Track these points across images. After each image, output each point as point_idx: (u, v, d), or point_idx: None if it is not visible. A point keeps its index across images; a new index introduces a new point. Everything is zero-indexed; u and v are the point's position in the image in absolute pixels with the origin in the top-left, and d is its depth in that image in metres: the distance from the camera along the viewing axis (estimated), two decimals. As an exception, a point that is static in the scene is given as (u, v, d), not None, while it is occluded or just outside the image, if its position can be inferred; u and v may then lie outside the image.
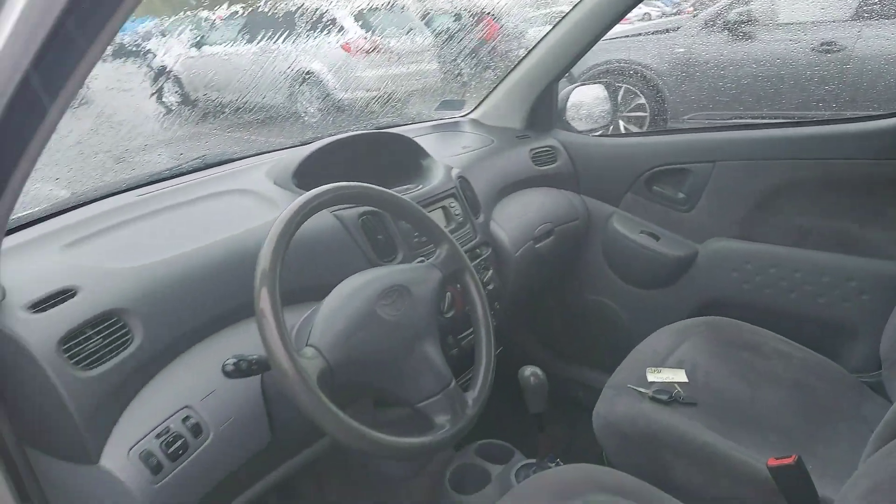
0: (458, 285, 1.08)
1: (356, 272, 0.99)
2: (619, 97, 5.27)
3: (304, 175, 1.26)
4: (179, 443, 0.86)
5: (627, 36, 5.34)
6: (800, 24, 4.57)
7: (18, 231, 1.02)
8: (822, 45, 4.22)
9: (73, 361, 0.81)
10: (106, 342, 0.85)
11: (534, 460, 1.35)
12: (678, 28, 5.28)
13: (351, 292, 0.92)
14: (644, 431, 1.17)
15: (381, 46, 6.87)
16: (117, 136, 1.55)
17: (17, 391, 0.82)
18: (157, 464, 0.83)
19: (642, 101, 5.20)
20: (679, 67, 5.04)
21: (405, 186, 1.38)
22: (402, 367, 0.90)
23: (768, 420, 1.18)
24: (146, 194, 1.17)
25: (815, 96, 3.97)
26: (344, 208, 1.18)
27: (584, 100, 1.96)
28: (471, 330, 1.28)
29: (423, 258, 1.19)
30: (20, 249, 0.96)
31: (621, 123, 5.22)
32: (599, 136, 1.92)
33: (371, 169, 1.32)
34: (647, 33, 5.40)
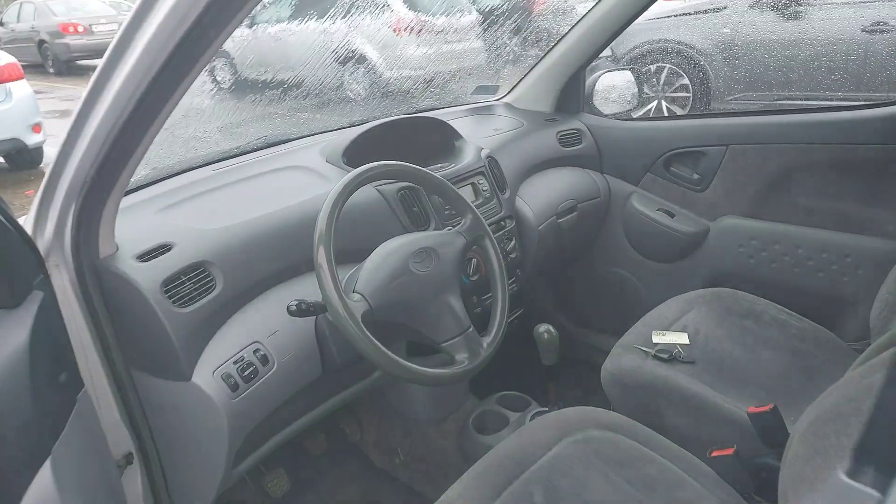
0: (480, 249, 1.27)
1: (394, 237, 1.19)
2: (663, 77, 5.28)
3: (352, 154, 1.46)
4: (251, 369, 1.09)
5: (671, 16, 5.33)
6: (851, 2, 4.49)
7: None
8: (872, 24, 4.15)
9: (172, 300, 1.04)
10: (195, 287, 1.07)
11: (547, 408, 1.54)
12: (724, 7, 5.22)
13: (389, 252, 1.12)
14: (643, 382, 1.34)
15: (428, 26, 6.96)
16: (198, 121, 1.79)
17: (130, 323, 1.06)
18: (234, 383, 1.06)
19: (686, 81, 5.20)
20: (724, 48, 5.01)
21: (439, 165, 1.57)
22: (429, 312, 1.10)
23: (757, 378, 1.33)
24: (220, 169, 1.40)
25: (864, 78, 3.92)
26: (385, 184, 1.37)
27: (611, 85, 2.09)
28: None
29: (451, 227, 1.38)
30: (124, 213, 1.20)
31: (664, 104, 5.25)
32: (624, 119, 2.06)
33: (410, 149, 1.52)
34: (692, 13, 5.36)
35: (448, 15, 6.78)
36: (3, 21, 14.02)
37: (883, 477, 0.33)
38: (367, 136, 1.51)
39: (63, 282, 0.99)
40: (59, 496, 0.74)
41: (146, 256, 1.06)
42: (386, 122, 1.58)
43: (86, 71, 11.91)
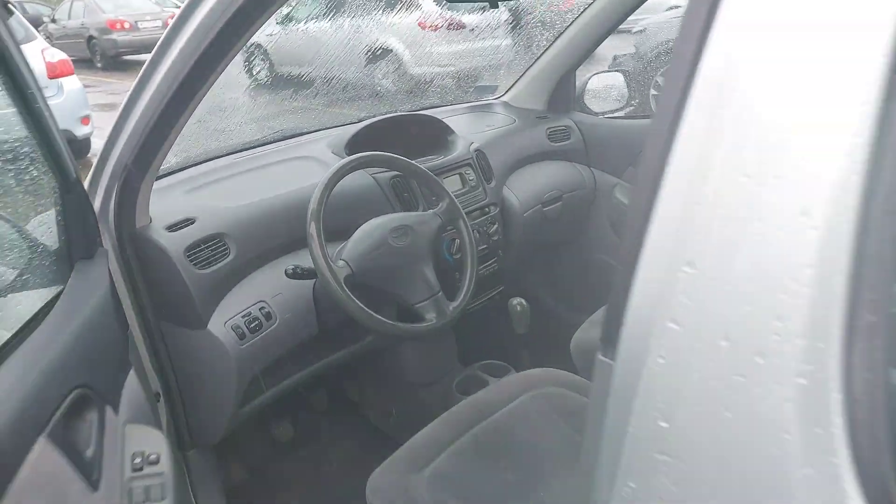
0: (454, 229, 1.48)
1: (380, 216, 1.41)
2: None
3: (353, 146, 1.68)
4: (256, 322, 1.32)
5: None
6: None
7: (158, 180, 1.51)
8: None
9: (193, 263, 1.27)
10: (213, 253, 1.31)
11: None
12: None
13: (373, 227, 1.34)
14: None
15: (454, 23, 7.07)
16: (229, 115, 2.04)
17: (158, 281, 1.30)
18: (242, 333, 1.30)
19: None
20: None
21: (430, 157, 1.78)
22: (403, 278, 1.31)
23: None
24: (240, 157, 1.64)
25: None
26: (379, 172, 1.59)
27: (602, 85, 2.26)
28: None
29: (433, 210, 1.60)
30: (158, 193, 1.44)
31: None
32: (612, 117, 2.23)
33: (407, 142, 1.73)
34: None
35: (475, 12, 6.84)
36: (56, 18, 14.72)
37: (612, 348, 0.52)
38: (368, 130, 1.73)
39: (106, 246, 1.24)
40: (139, 399, 0.99)
41: (174, 227, 1.30)
42: (386, 118, 1.80)
43: (131, 66, 12.45)
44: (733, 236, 0.38)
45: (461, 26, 6.93)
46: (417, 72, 6.68)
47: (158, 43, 1.02)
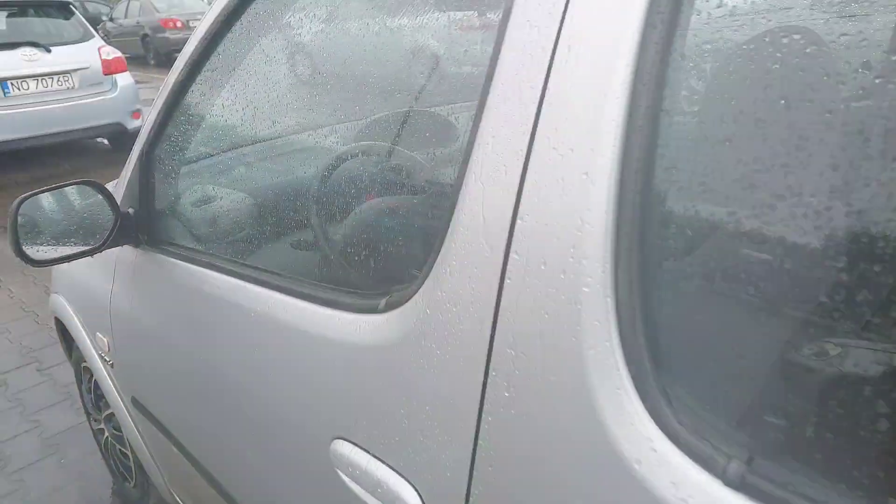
0: None
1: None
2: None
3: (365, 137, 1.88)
4: None
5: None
6: None
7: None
8: None
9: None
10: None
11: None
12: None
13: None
14: None
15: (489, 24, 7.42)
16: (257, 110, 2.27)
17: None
18: None
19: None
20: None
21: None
22: None
23: None
24: (260, 146, 1.86)
25: None
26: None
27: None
28: None
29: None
30: (182, 176, 1.66)
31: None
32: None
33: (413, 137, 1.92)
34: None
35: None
36: (114, 17, 15.45)
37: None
38: (374, 124, 1.92)
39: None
40: None
41: (197, 205, 1.52)
42: (392, 113, 1.99)
43: (182, 63, 13.03)
44: (548, 195, 0.56)
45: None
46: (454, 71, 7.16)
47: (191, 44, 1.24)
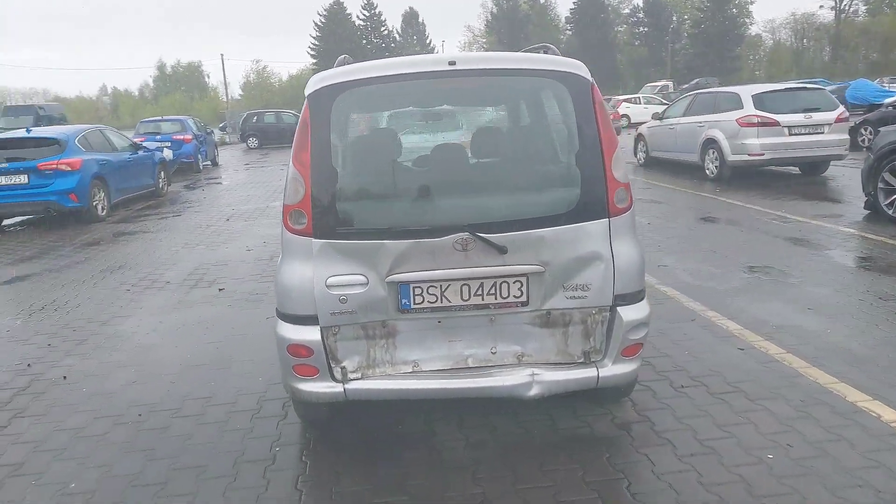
0: None
1: None
2: None
3: None
4: None
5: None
6: None
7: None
8: None
9: None
10: None
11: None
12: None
13: None
14: None
15: (769, 121, 10.40)
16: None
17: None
18: None
19: None
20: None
21: None
22: None
23: None
24: None
25: None
26: None
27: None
28: None
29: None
30: None
31: None
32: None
33: None
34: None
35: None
36: None
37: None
38: None
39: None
40: None
41: None
42: None
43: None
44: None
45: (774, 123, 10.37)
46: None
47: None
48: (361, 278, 2.73)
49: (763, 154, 10.51)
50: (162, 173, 13.23)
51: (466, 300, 2.79)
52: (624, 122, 28.11)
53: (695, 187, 10.82)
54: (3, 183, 9.60)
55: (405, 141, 3.47)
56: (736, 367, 3.77)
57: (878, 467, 2.74)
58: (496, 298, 2.80)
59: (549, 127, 3.21)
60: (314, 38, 71.78)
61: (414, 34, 75.21)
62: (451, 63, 2.73)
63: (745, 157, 10.64)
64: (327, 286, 2.74)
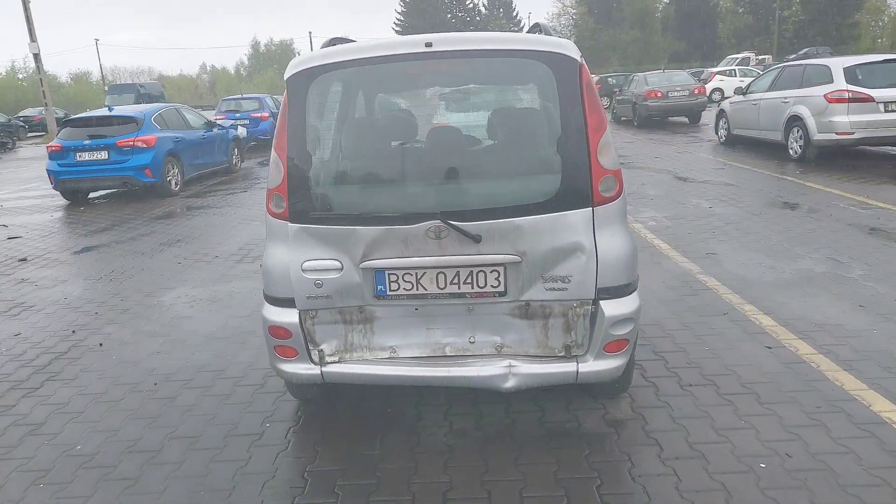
0: None
1: None
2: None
3: None
4: None
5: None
6: None
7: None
8: None
9: None
10: None
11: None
12: None
13: None
14: None
15: (862, 96, 9.57)
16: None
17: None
18: None
19: None
20: None
21: None
22: None
23: None
24: None
25: None
26: None
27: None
28: None
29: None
30: None
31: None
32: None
33: None
34: None
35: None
36: (622, 89, 21.38)
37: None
38: None
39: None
40: None
41: None
42: None
43: (656, 125, 18.65)
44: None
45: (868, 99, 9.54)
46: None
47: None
48: (336, 263, 2.76)
49: (853, 133, 9.67)
50: (235, 150, 13.82)
51: (443, 288, 2.76)
52: (717, 96, 26.61)
53: (774, 168, 10.14)
54: (86, 158, 10.36)
55: (381, 125, 3.44)
56: (755, 367, 3.55)
57: (880, 486, 2.51)
58: (473, 288, 2.75)
59: (532, 110, 3.09)
60: (399, 13, 72.16)
61: (500, 6, 73.95)
62: (428, 44, 2.67)
63: (833, 136, 9.83)
64: (303, 270, 2.79)
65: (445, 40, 2.69)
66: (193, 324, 4.80)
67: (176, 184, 11.06)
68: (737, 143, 13.14)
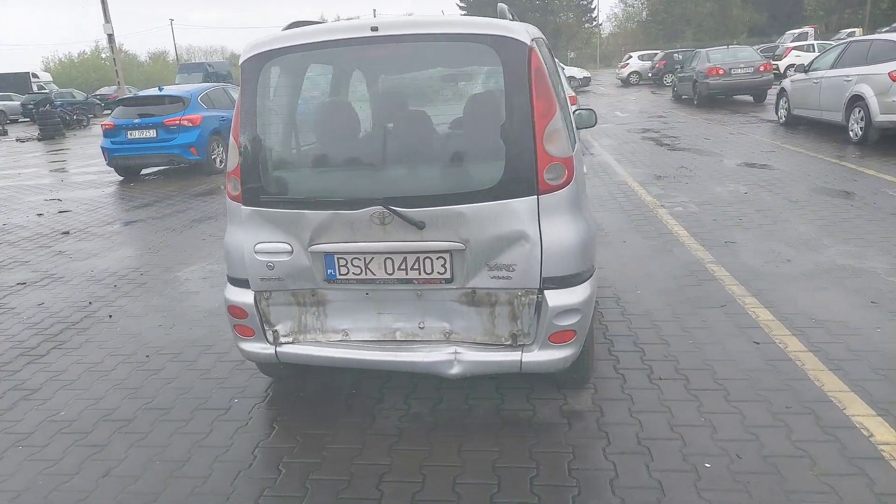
0: None
1: None
2: None
3: None
4: None
5: None
6: None
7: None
8: None
9: None
10: None
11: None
12: None
13: None
14: None
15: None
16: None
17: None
18: None
19: None
20: None
21: None
22: None
23: None
24: None
25: None
26: None
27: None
28: None
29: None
30: None
31: None
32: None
33: None
34: None
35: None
36: (684, 66, 21.10)
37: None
38: None
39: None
40: None
41: None
42: None
43: (719, 104, 18.25)
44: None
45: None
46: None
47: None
48: (286, 246, 2.84)
49: (919, 114, 9.02)
50: (282, 129, 14.12)
51: (391, 274, 2.79)
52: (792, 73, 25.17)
53: (830, 153, 9.57)
54: (137, 136, 10.87)
55: (328, 111, 3.45)
56: (734, 363, 3.42)
57: (827, 493, 2.40)
58: (420, 274, 2.77)
59: (478, 96, 3.05)
60: (466, -11, 71.36)
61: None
62: (374, 29, 2.67)
63: (896, 118, 9.20)
64: (255, 252, 2.88)
65: (392, 24, 2.69)
66: (199, 299, 5.01)
67: (220, 162, 11.45)
68: (797, 125, 12.47)
